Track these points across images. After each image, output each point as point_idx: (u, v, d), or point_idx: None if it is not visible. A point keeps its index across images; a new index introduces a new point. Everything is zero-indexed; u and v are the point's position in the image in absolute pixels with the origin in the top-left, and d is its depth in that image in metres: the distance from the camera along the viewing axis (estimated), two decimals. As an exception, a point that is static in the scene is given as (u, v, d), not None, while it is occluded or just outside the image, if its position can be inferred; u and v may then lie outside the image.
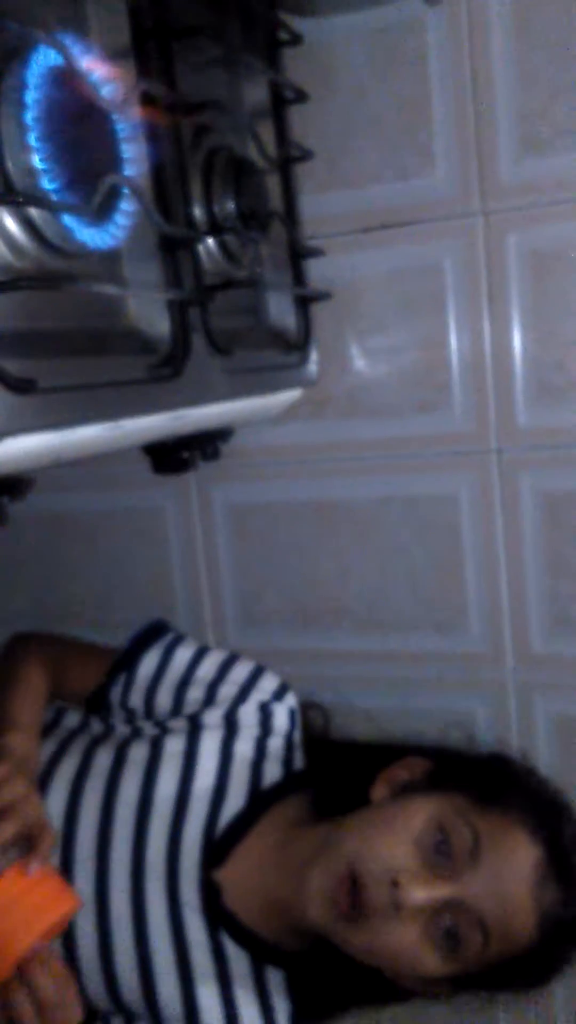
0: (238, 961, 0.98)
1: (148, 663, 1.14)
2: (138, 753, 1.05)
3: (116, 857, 0.99)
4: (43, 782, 1.04)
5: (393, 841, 0.92)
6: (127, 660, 1.15)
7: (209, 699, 1.11)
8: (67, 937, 0.97)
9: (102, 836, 1.00)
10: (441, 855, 0.91)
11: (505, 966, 0.94)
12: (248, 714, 1.10)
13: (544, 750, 1.30)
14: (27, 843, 0.86)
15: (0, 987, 0.84)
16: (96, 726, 1.14)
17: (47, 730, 1.14)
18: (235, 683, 1.13)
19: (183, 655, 1.15)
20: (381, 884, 0.89)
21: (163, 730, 1.08)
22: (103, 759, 1.06)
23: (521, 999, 1.05)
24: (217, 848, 1.00)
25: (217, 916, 0.98)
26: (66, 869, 0.99)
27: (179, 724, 1.08)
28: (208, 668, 1.14)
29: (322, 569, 1.36)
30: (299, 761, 1.09)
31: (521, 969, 0.96)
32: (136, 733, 1.09)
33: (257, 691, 1.13)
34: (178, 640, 1.18)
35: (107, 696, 1.15)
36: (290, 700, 1.14)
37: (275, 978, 0.99)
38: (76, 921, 0.96)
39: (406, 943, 0.90)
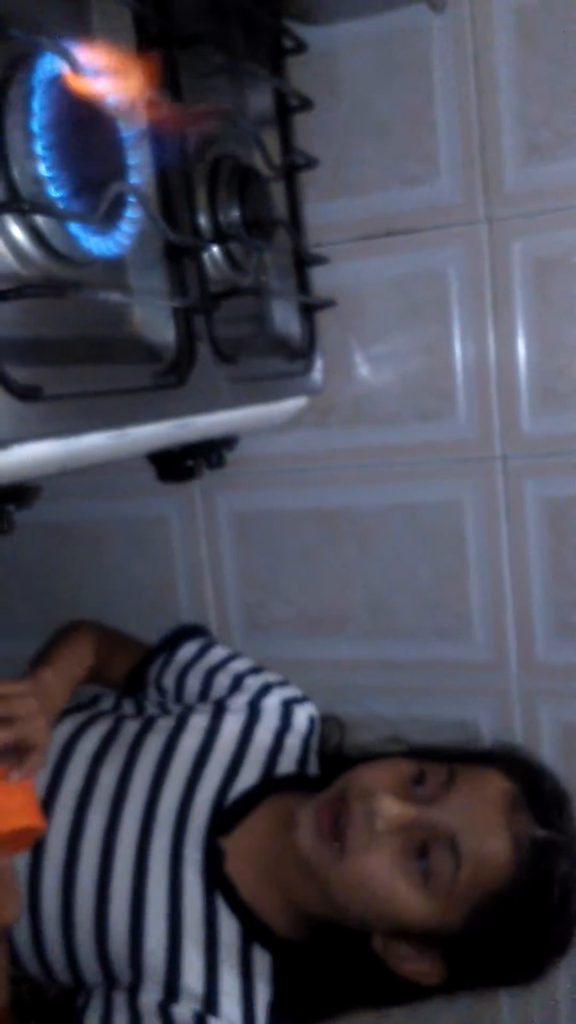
0: (228, 932, 0.99)
1: (187, 649, 1.21)
2: (163, 724, 1.10)
3: (130, 805, 1.03)
4: (74, 737, 1.09)
5: (375, 771, 0.98)
6: (169, 643, 1.22)
7: (235, 686, 1.16)
8: (67, 871, 1.00)
9: (121, 783, 1.04)
10: (418, 786, 0.97)
11: (491, 921, 0.94)
12: (271, 707, 1.14)
13: (548, 757, 1.29)
14: (17, 756, 0.90)
15: None
16: (127, 707, 1.18)
17: (81, 708, 1.18)
18: (262, 678, 1.18)
19: (219, 651, 1.22)
20: (360, 802, 0.94)
21: (189, 709, 1.13)
22: (131, 727, 1.11)
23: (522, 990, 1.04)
24: (225, 815, 1.02)
25: (216, 880, 0.99)
26: (83, 806, 1.03)
27: (205, 706, 1.13)
28: (239, 664, 1.20)
29: (326, 577, 1.36)
30: (313, 766, 1.10)
31: (510, 934, 0.95)
32: (164, 711, 1.14)
33: (282, 689, 1.18)
34: (216, 642, 1.24)
35: (145, 672, 1.21)
36: (311, 707, 1.18)
37: (261, 962, 0.99)
38: (79, 857, 1.00)
39: (380, 865, 0.93)
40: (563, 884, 0.96)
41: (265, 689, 1.16)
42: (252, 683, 1.17)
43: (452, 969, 0.97)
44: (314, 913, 0.99)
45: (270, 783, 1.05)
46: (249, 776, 1.05)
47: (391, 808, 0.93)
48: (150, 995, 0.94)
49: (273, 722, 1.12)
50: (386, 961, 0.97)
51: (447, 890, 0.92)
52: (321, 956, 0.98)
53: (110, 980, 0.98)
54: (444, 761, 0.99)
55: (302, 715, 1.15)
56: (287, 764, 1.08)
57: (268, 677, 1.19)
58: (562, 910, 0.97)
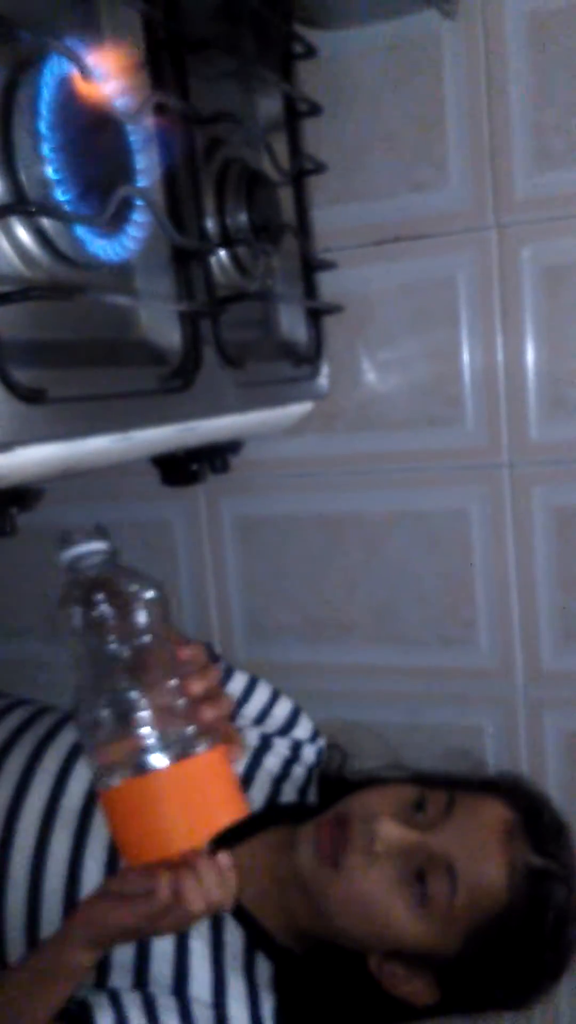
0: (233, 940, 0.99)
1: (236, 684, 1.17)
2: None
3: None
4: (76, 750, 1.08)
5: (377, 795, 0.99)
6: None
7: (253, 723, 1.16)
8: (70, 889, 0.99)
9: None
10: (419, 811, 0.97)
11: (486, 946, 0.94)
12: (282, 743, 1.15)
13: (553, 766, 1.29)
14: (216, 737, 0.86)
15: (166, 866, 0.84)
16: None
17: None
18: (277, 720, 1.18)
19: (234, 687, 1.17)
20: (360, 824, 0.95)
21: None
22: None
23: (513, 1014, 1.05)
24: (229, 832, 1.02)
25: None
26: (87, 817, 1.02)
27: None
28: (254, 707, 1.17)
29: (331, 583, 1.36)
30: (312, 795, 1.11)
31: (504, 956, 0.96)
32: None
33: (295, 730, 1.18)
34: (230, 671, 1.19)
35: None
36: (320, 742, 1.19)
37: (263, 970, 1.00)
38: (84, 867, 0.99)
39: (378, 887, 0.94)
40: (558, 912, 0.97)
41: (279, 732, 1.17)
42: (268, 725, 1.17)
43: (445, 991, 0.98)
44: (312, 932, 0.99)
45: (273, 811, 1.06)
46: (254, 802, 1.05)
47: (391, 832, 0.95)
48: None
49: (283, 754, 1.13)
50: (381, 981, 0.97)
51: (443, 914, 0.93)
52: (318, 972, 0.99)
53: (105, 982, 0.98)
54: (445, 788, 1.00)
55: (310, 752, 1.17)
56: (289, 792, 1.09)
57: (281, 715, 1.18)
58: (556, 938, 0.98)
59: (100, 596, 0.85)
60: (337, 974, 0.98)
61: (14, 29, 0.66)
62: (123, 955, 0.97)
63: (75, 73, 0.69)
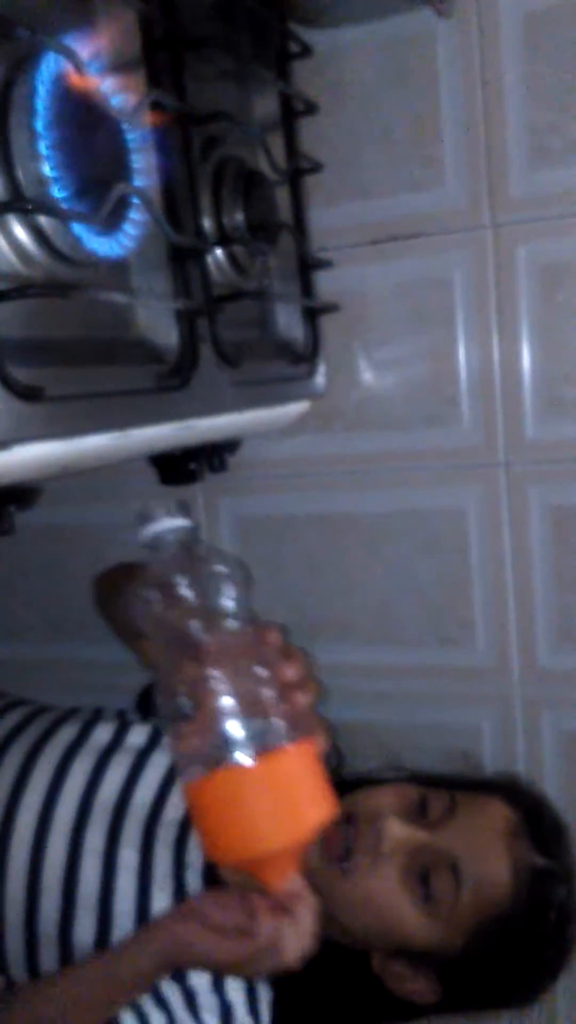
0: None
1: None
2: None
3: (130, 818, 1.03)
4: (75, 746, 1.09)
5: (382, 795, 1.01)
6: None
7: None
8: (67, 881, 1.00)
9: (123, 794, 1.05)
10: (421, 811, 0.99)
11: (488, 945, 0.95)
12: None
13: (551, 765, 1.29)
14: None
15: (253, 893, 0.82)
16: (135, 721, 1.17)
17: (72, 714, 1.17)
18: None
19: None
20: (367, 823, 0.97)
21: None
22: (135, 740, 1.11)
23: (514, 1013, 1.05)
24: None
25: (215, 882, 1.00)
26: (83, 815, 1.03)
27: None
28: None
29: (328, 582, 1.36)
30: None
31: (505, 954, 0.96)
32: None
33: None
34: None
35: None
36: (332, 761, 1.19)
37: None
38: (80, 865, 1.00)
39: (384, 886, 0.95)
40: (559, 911, 0.98)
41: None
42: None
43: (447, 990, 0.98)
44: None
45: None
46: None
47: (398, 831, 0.96)
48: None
49: None
50: (384, 980, 0.98)
51: (447, 913, 0.94)
52: (320, 970, 0.99)
53: None
54: (446, 787, 1.02)
55: None
56: None
57: None
58: (557, 936, 0.99)
59: (182, 577, 0.81)
60: (339, 972, 0.98)
61: (11, 26, 0.66)
62: None
63: (71, 71, 0.69)
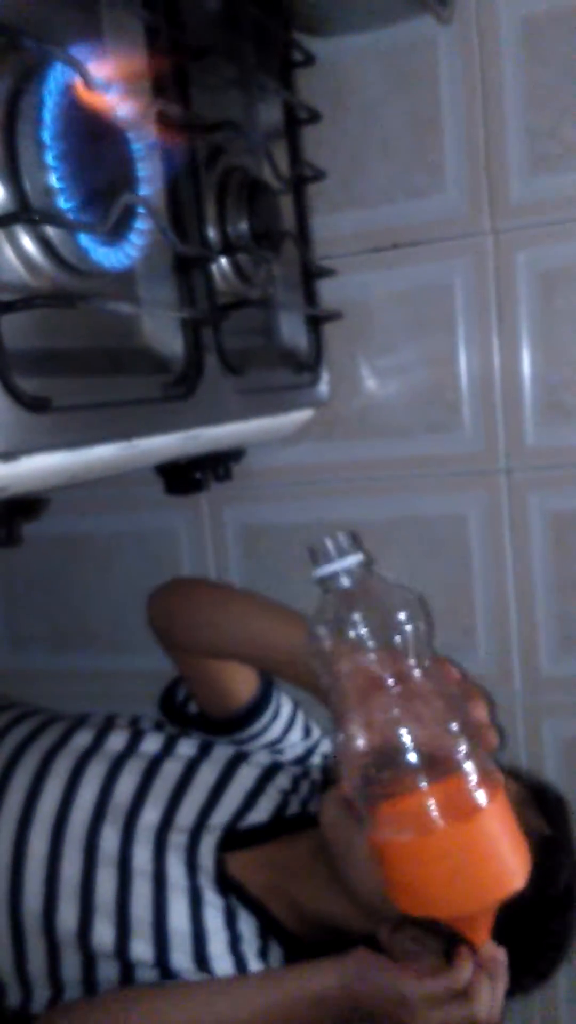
0: (247, 929, 1.03)
1: (255, 727, 1.17)
2: (185, 749, 1.12)
3: (143, 824, 1.05)
4: (89, 753, 1.10)
5: None
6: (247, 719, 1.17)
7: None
8: (84, 888, 1.02)
9: (136, 800, 1.06)
10: None
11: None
12: (296, 758, 1.18)
13: (552, 772, 1.29)
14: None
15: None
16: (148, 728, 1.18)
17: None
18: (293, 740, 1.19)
19: (277, 730, 1.18)
20: None
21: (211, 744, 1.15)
22: (150, 745, 1.12)
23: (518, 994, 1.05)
24: (236, 838, 1.05)
25: (227, 884, 1.03)
26: (97, 820, 1.04)
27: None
28: (293, 741, 1.19)
29: (331, 589, 1.35)
30: (315, 806, 1.11)
31: (512, 928, 0.96)
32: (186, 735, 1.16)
33: (315, 754, 1.20)
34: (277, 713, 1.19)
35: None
36: (324, 745, 1.21)
37: (276, 957, 1.04)
38: (96, 872, 1.02)
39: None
40: (567, 882, 0.98)
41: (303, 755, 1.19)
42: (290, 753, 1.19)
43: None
44: (321, 916, 1.01)
45: (278, 824, 1.08)
46: (261, 813, 1.08)
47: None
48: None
49: (295, 771, 1.16)
50: (390, 955, 0.97)
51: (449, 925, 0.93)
52: (325, 954, 1.00)
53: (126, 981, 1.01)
54: None
55: (317, 764, 1.19)
56: (294, 805, 1.11)
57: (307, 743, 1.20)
58: (563, 907, 0.99)
59: (359, 615, 0.78)
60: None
61: (18, 38, 0.66)
62: (143, 950, 0.99)
63: (78, 82, 0.69)
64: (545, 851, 0.97)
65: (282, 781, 1.12)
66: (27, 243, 0.70)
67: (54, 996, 1.02)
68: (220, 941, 1.01)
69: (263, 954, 1.03)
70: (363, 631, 0.78)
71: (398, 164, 1.23)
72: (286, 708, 1.18)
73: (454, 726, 0.76)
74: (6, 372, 0.62)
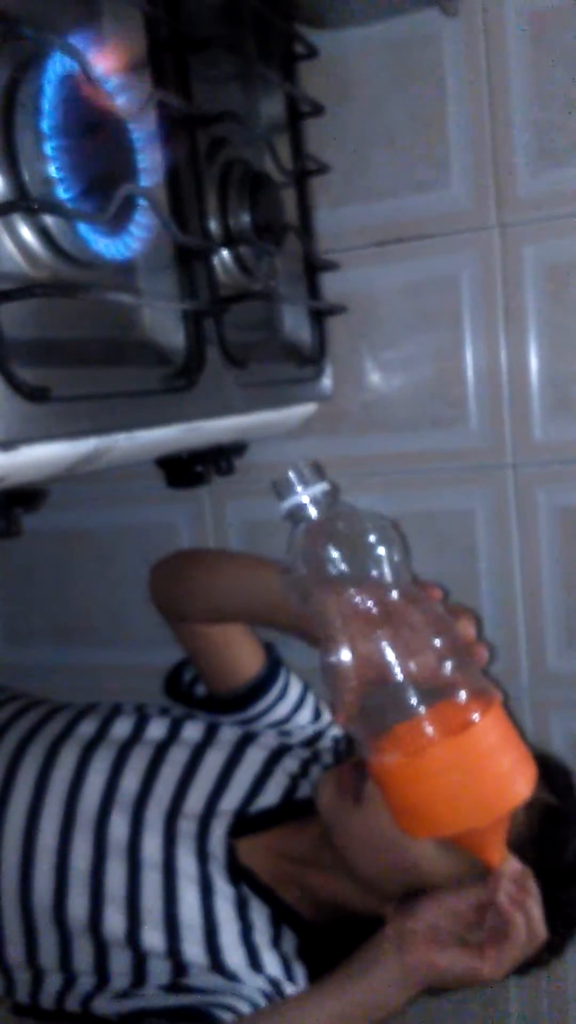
0: (259, 917, 1.03)
1: (262, 704, 1.16)
2: (191, 733, 1.12)
3: (152, 813, 1.05)
4: (95, 741, 1.11)
5: None
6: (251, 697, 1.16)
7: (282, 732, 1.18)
8: (95, 877, 1.02)
9: (144, 788, 1.06)
10: None
11: None
12: (304, 740, 1.17)
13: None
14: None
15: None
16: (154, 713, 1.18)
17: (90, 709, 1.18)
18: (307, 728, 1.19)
19: (284, 708, 1.17)
20: None
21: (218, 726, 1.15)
22: (156, 731, 1.12)
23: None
24: (246, 823, 1.06)
25: (237, 871, 1.03)
26: (105, 810, 1.05)
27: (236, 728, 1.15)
28: (302, 723, 1.18)
29: (336, 584, 1.35)
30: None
31: None
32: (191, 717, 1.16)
33: (325, 737, 1.20)
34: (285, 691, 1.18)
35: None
36: (334, 730, 1.21)
37: (289, 943, 1.04)
38: (106, 862, 1.02)
39: None
40: (574, 852, 0.98)
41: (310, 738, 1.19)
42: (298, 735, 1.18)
43: None
44: (330, 901, 1.02)
45: (288, 807, 1.08)
46: (270, 796, 1.08)
47: None
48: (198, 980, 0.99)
49: (302, 752, 1.15)
50: (396, 935, 0.97)
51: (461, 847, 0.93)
52: (339, 939, 1.01)
53: (138, 975, 1.01)
54: None
55: (327, 752, 1.18)
56: (306, 788, 1.10)
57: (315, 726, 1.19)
58: (571, 878, 0.99)
59: (332, 545, 0.77)
60: (356, 938, 0.98)
61: (17, 27, 0.66)
62: (155, 939, 0.99)
63: (78, 72, 0.69)
64: (551, 822, 0.98)
65: (290, 764, 1.12)
66: (26, 233, 0.70)
67: (65, 985, 1.02)
68: (231, 932, 1.01)
69: (275, 943, 1.03)
70: (337, 561, 0.77)
71: (403, 157, 1.23)
72: (295, 688, 1.17)
73: (439, 645, 0.75)
74: (5, 362, 0.62)
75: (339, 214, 1.25)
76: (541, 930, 0.88)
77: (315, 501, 0.78)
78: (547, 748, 1.29)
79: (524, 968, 1.00)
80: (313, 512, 0.78)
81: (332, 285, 1.20)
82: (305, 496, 0.78)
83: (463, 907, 0.89)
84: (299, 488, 0.78)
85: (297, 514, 0.79)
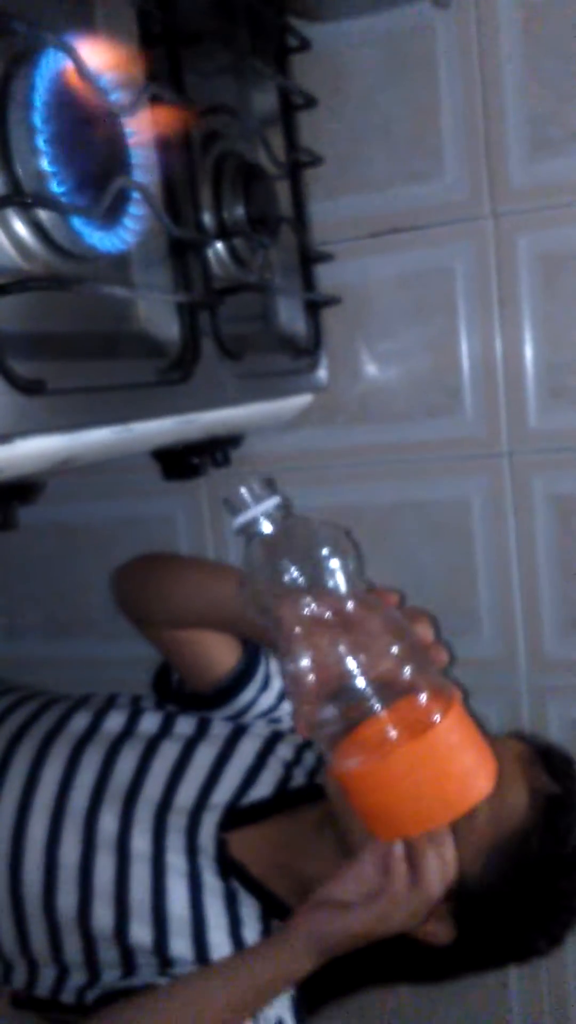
0: (248, 913, 1.03)
1: (244, 697, 1.16)
2: (183, 727, 1.12)
3: (142, 806, 1.05)
4: (87, 736, 1.11)
5: None
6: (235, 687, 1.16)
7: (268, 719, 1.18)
8: (84, 872, 1.02)
9: (134, 782, 1.06)
10: None
11: (504, 873, 0.95)
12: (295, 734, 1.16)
13: (558, 755, 1.29)
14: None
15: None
16: (147, 706, 1.18)
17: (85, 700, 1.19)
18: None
19: (269, 698, 1.16)
20: None
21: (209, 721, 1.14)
22: (148, 724, 1.12)
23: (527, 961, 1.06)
24: (238, 816, 1.05)
25: (228, 866, 1.03)
26: (96, 804, 1.05)
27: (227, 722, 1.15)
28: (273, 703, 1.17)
29: (334, 574, 1.36)
30: (321, 777, 1.11)
31: (520, 887, 0.97)
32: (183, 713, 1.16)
33: None
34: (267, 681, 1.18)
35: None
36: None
37: None
38: (95, 856, 1.02)
39: None
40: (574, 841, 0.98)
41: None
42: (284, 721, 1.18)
43: (462, 929, 0.97)
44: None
45: (282, 798, 1.08)
46: (264, 787, 1.08)
47: None
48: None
49: (295, 738, 1.15)
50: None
51: (465, 832, 0.93)
52: None
53: (127, 968, 1.01)
54: None
55: None
56: (299, 776, 1.10)
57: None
58: (573, 866, 0.99)
59: (286, 557, 0.79)
60: None
61: (9, 22, 0.66)
62: (142, 935, 0.99)
63: (70, 66, 0.69)
64: (553, 810, 0.98)
65: (284, 752, 1.12)
66: (20, 227, 0.70)
67: (59, 978, 1.03)
68: (220, 928, 1.01)
69: (264, 938, 1.03)
70: (292, 573, 0.78)
71: (397, 149, 1.23)
72: (278, 677, 1.17)
73: (396, 650, 0.77)
74: (1, 355, 0.63)
75: (333, 205, 1.25)
76: (450, 873, 0.87)
77: (267, 515, 0.80)
78: (544, 734, 1.29)
79: (524, 957, 1.02)
80: (266, 527, 0.80)
81: (327, 276, 1.21)
82: (257, 511, 0.80)
83: (364, 871, 0.88)
84: (251, 504, 0.80)
85: (250, 529, 0.80)
